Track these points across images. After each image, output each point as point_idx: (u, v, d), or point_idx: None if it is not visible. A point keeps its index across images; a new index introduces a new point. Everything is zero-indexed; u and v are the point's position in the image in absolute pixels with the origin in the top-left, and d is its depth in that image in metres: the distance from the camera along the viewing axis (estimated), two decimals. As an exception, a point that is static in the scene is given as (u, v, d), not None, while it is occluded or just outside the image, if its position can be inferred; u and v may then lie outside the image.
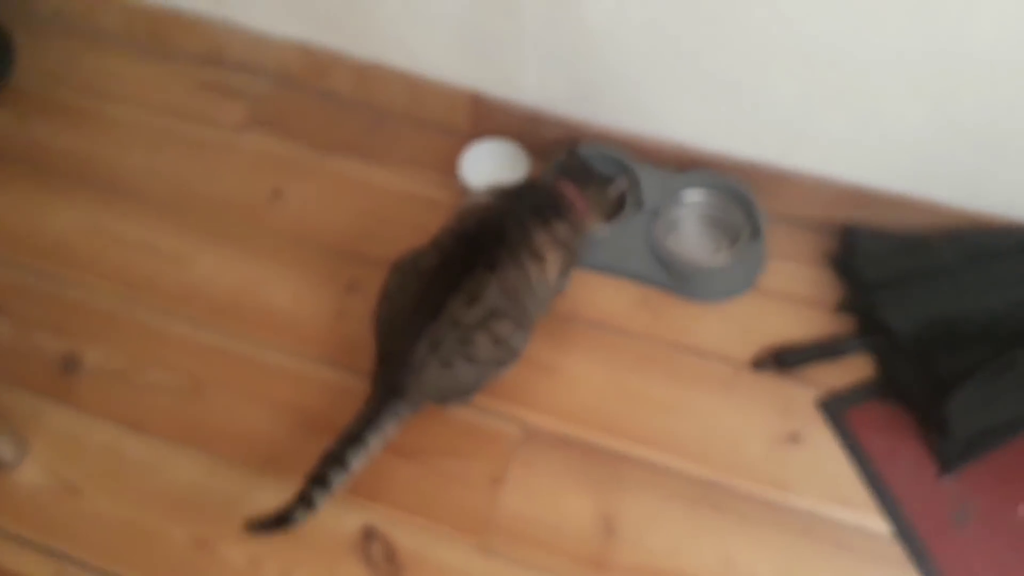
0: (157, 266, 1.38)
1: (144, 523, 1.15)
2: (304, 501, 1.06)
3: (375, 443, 1.12)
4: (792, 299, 1.33)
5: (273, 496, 1.14)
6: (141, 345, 1.30)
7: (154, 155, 1.51)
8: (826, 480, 1.18)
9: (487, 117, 1.48)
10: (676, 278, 1.32)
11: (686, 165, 1.39)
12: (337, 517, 1.14)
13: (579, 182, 1.26)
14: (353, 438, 1.10)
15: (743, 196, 1.35)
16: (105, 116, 1.57)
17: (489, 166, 1.44)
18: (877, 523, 1.15)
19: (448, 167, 1.45)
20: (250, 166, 1.50)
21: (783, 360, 1.26)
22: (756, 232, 1.33)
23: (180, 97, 1.58)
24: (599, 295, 1.34)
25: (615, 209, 1.34)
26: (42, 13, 1.68)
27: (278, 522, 1.05)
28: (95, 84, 1.61)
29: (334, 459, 1.09)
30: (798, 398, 1.24)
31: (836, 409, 1.23)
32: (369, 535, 1.14)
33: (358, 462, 1.10)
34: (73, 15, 1.67)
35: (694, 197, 1.40)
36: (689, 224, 1.41)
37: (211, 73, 1.61)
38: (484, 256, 1.11)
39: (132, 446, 1.21)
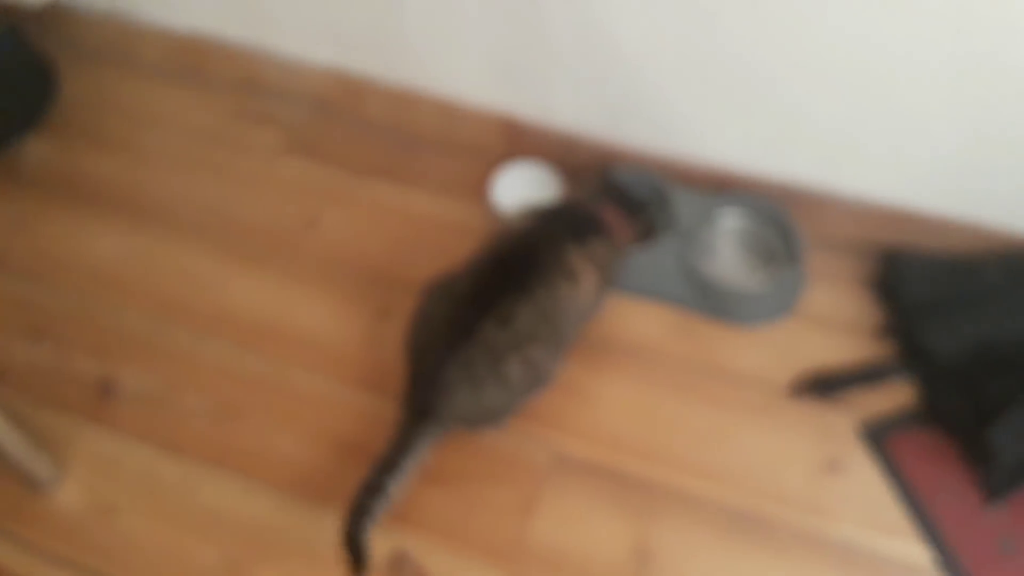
0: (194, 290, 1.40)
1: (178, 544, 1.16)
2: (353, 534, 1.06)
3: (411, 468, 1.12)
4: (832, 323, 1.32)
5: (305, 520, 1.16)
6: (177, 369, 1.32)
7: (192, 181, 1.55)
8: (867, 509, 1.16)
9: (520, 140, 1.49)
10: (712, 301, 1.31)
11: (721, 187, 1.39)
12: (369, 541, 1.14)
13: (615, 203, 1.27)
14: (389, 465, 1.11)
15: (780, 218, 1.34)
16: (144, 144, 1.61)
17: (521, 189, 1.45)
18: (920, 553, 1.13)
19: (481, 191, 1.46)
20: (286, 192, 1.52)
21: (823, 386, 1.24)
22: (794, 255, 1.31)
23: (217, 124, 1.62)
24: (634, 318, 1.33)
25: (651, 232, 1.34)
26: (85, 44, 1.74)
27: (355, 560, 1.05)
28: (135, 112, 1.65)
29: (374, 488, 1.09)
30: (838, 425, 1.22)
31: (877, 436, 1.21)
32: (400, 560, 1.14)
33: (397, 488, 1.11)
34: (114, 45, 1.72)
35: (730, 219, 1.39)
36: (725, 247, 1.40)
37: (247, 101, 1.64)
38: (518, 282, 1.11)
39: (168, 468, 1.23)
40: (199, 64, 1.67)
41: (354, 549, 1.06)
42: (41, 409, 1.28)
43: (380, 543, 1.14)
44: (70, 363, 1.33)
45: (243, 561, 1.14)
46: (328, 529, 1.14)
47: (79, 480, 1.22)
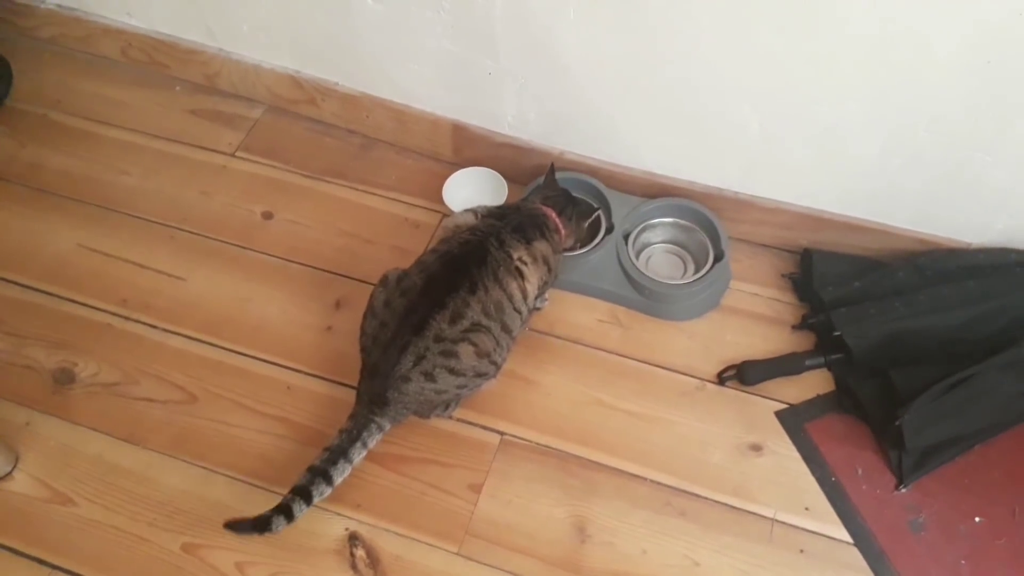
0: (152, 283, 1.42)
1: (135, 531, 1.18)
2: (284, 511, 1.12)
3: (358, 457, 1.18)
4: (755, 317, 1.40)
5: (262, 503, 1.18)
6: (135, 359, 1.34)
7: (150, 177, 1.56)
8: (788, 489, 1.23)
9: (469, 146, 1.54)
10: (646, 298, 1.38)
11: (655, 192, 1.47)
12: (322, 523, 1.19)
13: (559, 207, 1.33)
14: (337, 453, 1.16)
15: (708, 221, 1.42)
16: (102, 139, 1.62)
17: (470, 192, 1.51)
18: (837, 530, 1.20)
19: (431, 192, 1.52)
20: (243, 188, 1.55)
21: (746, 375, 1.31)
22: (721, 255, 1.39)
23: (175, 122, 1.64)
24: (573, 313, 1.40)
25: (590, 233, 1.41)
26: (40, 39, 1.74)
27: (256, 526, 1.11)
28: (92, 108, 1.66)
29: (319, 473, 1.14)
30: (761, 411, 1.30)
31: (796, 421, 1.29)
32: (353, 541, 1.18)
33: (341, 477, 1.16)
34: (70, 41, 1.73)
35: (663, 222, 1.47)
36: (658, 247, 1.48)
37: (206, 100, 1.67)
38: (467, 277, 1.16)
39: (124, 457, 1.24)
40: (158, 63, 1.69)
41: (286, 516, 1.12)
42: (-5, 400, 1.29)
43: (332, 525, 1.19)
44: (25, 354, 1.34)
45: (200, 547, 1.17)
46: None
47: (33, 470, 1.23)
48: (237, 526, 1.11)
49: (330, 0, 1.40)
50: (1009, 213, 1.30)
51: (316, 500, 1.14)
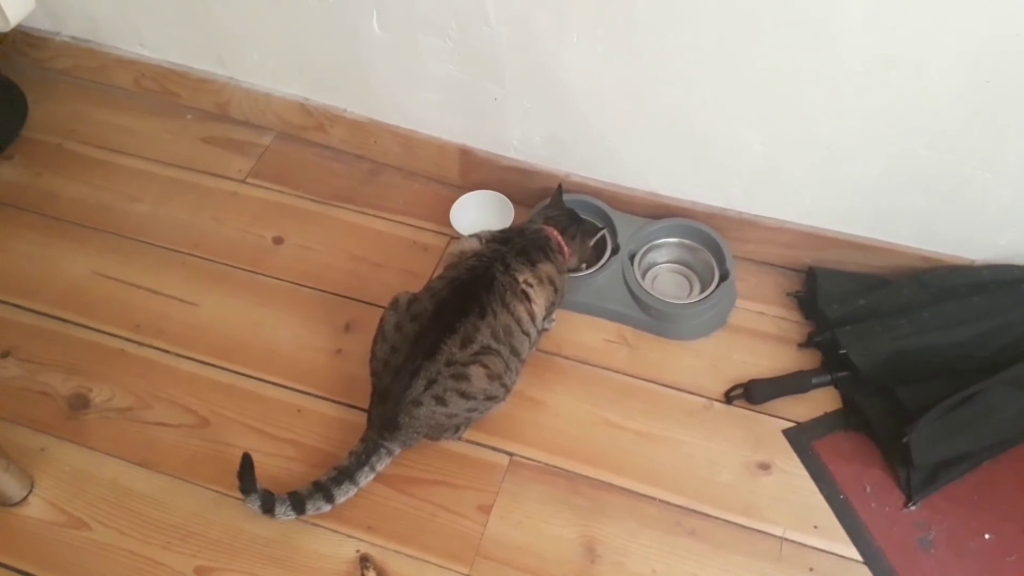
0: (164, 309, 1.44)
1: (149, 555, 1.19)
2: (265, 502, 1.14)
3: (364, 480, 1.20)
4: (761, 336, 1.41)
5: (274, 527, 1.20)
6: (148, 384, 1.35)
7: (162, 204, 1.59)
8: (796, 507, 1.23)
9: (475, 169, 1.56)
10: (652, 318, 1.39)
11: (660, 213, 1.48)
12: (334, 545, 1.20)
13: (562, 227, 1.35)
14: (344, 475, 1.18)
15: (713, 240, 1.43)
16: (115, 167, 1.65)
17: (477, 215, 1.53)
18: (847, 548, 1.20)
19: (439, 215, 1.54)
20: (253, 214, 1.57)
21: (753, 394, 1.32)
22: (726, 274, 1.40)
23: (187, 150, 1.67)
24: (581, 334, 1.41)
25: (596, 253, 1.43)
26: (54, 70, 1.78)
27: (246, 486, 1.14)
28: (105, 137, 1.69)
29: (320, 489, 1.16)
30: (768, 429, 1.31)
31: (804, 440, 1.29)
32: (364, 563, 1.19)
33: (344, 498, 1.18)
34: (84, 72, 1.76)
35: (668, 242, 1.48)
36: (664, 267, 1.49)
37: (217, 128, 1.70)
38: (477, 302, 1.17)
39: (138, 480, 1.26)
40: (169, 92, 1.72)
41: (264, 506, 1.14)
42: (10, 426, 1.30)
43: (344, 547, 1.20)
44: (40, 380, 1.36)
45: (213, 570, 1.18)
46: (298, 536, 1.20)
47: (48, 495, 1.24)
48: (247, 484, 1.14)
49: (338, 29, 1.43)
50: (1012, 230, 1.31)
51: (309, 513, 1.16)
